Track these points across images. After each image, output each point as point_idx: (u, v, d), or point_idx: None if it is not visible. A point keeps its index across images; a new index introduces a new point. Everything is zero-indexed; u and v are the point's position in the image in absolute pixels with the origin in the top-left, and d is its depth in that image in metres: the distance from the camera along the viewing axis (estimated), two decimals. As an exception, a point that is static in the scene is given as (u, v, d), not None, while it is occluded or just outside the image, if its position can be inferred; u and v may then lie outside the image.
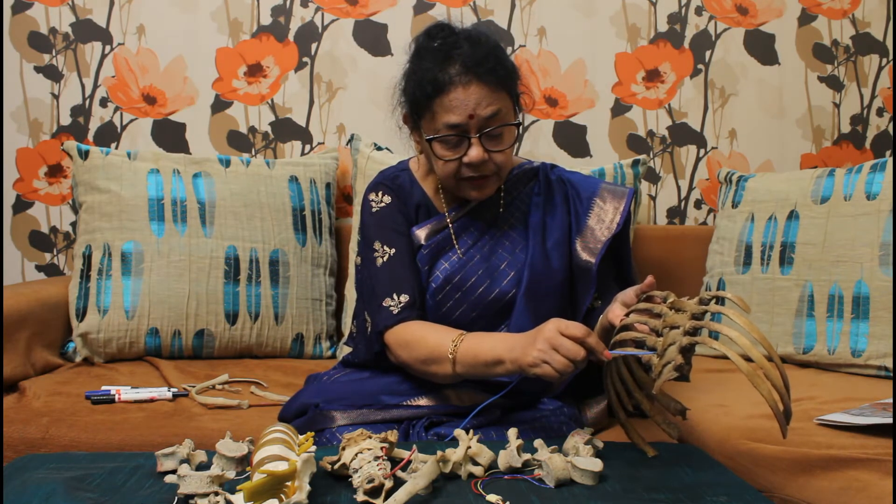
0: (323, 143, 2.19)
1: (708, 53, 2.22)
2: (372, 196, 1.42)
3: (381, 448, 0.96)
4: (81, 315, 1.76)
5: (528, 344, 1.11)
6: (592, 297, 1.37)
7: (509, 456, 1.01)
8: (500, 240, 1.39)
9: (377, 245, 1.37)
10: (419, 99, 1.28)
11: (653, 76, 2.21)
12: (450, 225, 1.39)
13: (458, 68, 1.24)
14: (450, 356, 1.20)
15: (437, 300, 1.34)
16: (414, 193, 1.42)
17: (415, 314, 1.29)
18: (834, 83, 2.22)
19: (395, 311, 1.29)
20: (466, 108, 1.24)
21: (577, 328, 1.07)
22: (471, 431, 1.04)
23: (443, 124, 1.26)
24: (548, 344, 1.08)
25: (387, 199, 1.41)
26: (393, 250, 1.35)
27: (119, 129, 2.16)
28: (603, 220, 1.39)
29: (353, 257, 1.95)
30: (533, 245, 1.36)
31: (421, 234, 1.39)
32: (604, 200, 1.40)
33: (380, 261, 1.36)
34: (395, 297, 1.30)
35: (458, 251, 1.37)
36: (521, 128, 1.35)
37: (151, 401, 1.49)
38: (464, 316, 1.34)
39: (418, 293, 1.32)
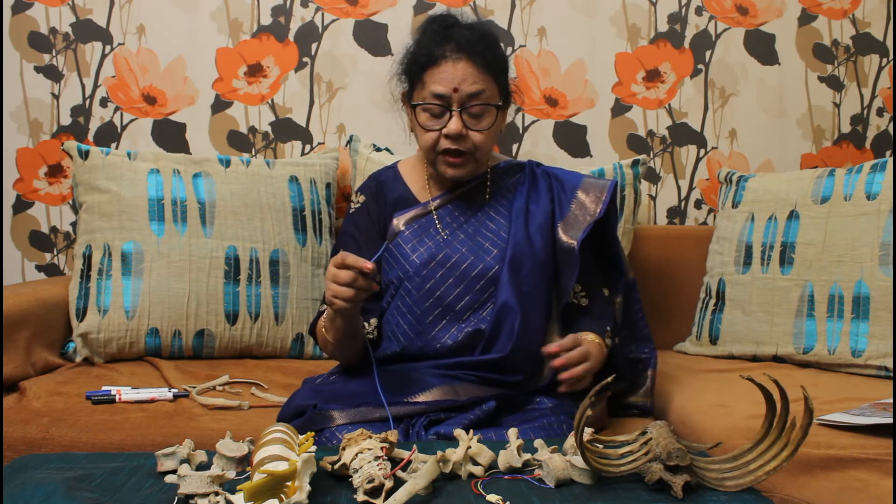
0: (323, 143, 2.19)
1: (708, 53, 2.22)
2: (353, 197, 1.54)
3: (382, 448, 0.96)
4: (81, 315, 1.76)
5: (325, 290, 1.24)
6: (575, 285, 1.41)
7: (509, 456, 1.01)
8: (485, 222, 1.45)
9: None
10: (414, 69, 1.39)
11: (653, 76, 2.21)
12: (433, 211, 1.46)
13: (453, 46, 1.36)
14: (323, 331, 1.36)
15: (421, 276, 1.39)
16: (396, 188, 1.50)
17: None
18: (834, 83, 2.22)
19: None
20: (452, 82, 1.34)
21: (338, 256, 1.19)
22: (471, 431, 1.04)
23: (429, 92, 1.36)
24: (329, 281, 1.21)
25: (362, 198, 1.52)
26: None
27: (119, 129, 2.16)
28: (586, 207, 1.44)
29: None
30: (515, 227, 1.42)
31: (400, 220, 1.46)
32: (586, 192, 1.46)
33: None
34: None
35: (442, 233, 1.44)
36: (501, 113, 1.42)
37: (152, 401, 1.48)
38: (448, 291, 1.38)
39: None
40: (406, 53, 1.42)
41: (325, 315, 1.37)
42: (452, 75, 1.33)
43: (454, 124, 1.35)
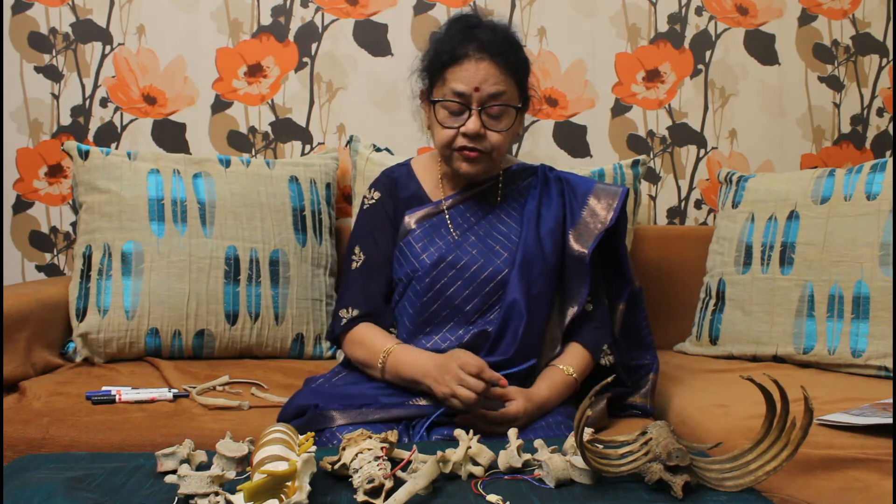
0: (323, 143, 2.19)
1: (708, 53, 2.22)
2: (367, 193, 1.53)
3: (382, 448, 0.96)
4: (81, 315, 1.76)
5: (439, 375, 1.23)
6: (586, 295, 1.41)
7: (509, 456, 1.01)
8: (496, 224, 1.45)
9: (356, 250, 1.48)
10: (436, 67, 1.39)
11: (653, 76, 2.21)
12: (445, 210, 1.46)
13: (475, 46, 1.35)
14: (379, 366, 1.34)
15: (431, 276, 1.39)
16: (409, 186, 1.51)
17: (362, 320, 1.42)
18: (834, 83, 2.22)
19: (344, 322, 1.42)
20: (474, 81, 1.34)
21: (473, 365, 1.19)
22: (471, 431, 1.04)
23: (450, 90, 1.36)
24: (454, 381, 1.20)
25: (377, 194, 1.51)
26: (364, 257, 1.47)
27: (119, 130, 2.16)
28: (597, 214, 1.44)
29: (353, 257, 1.96)
30: (527, 230, 1.42)
31: (412, 218, 1.46)
32: (598, 198, 1.46)
33: (354, 265, 1.47)
34: (349, 309, 1.43)
35: (453, 233, 1.44)
36: (519, 115, 1.43)
37: (152, 401, 1.48)
38: (457, 293, 1.39)
39: (378, 300, 1.44)
40: (428, 51, 1.42)
41: (394, 362, 1.32)
42: (474, 74, 1.34)
43: (473, 123, 1.35)
